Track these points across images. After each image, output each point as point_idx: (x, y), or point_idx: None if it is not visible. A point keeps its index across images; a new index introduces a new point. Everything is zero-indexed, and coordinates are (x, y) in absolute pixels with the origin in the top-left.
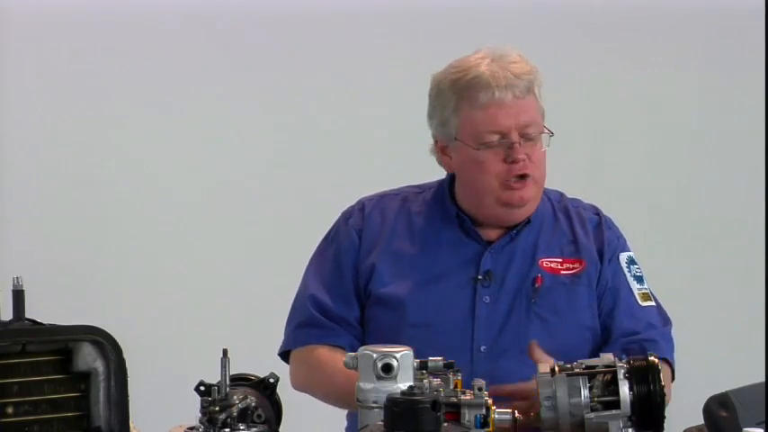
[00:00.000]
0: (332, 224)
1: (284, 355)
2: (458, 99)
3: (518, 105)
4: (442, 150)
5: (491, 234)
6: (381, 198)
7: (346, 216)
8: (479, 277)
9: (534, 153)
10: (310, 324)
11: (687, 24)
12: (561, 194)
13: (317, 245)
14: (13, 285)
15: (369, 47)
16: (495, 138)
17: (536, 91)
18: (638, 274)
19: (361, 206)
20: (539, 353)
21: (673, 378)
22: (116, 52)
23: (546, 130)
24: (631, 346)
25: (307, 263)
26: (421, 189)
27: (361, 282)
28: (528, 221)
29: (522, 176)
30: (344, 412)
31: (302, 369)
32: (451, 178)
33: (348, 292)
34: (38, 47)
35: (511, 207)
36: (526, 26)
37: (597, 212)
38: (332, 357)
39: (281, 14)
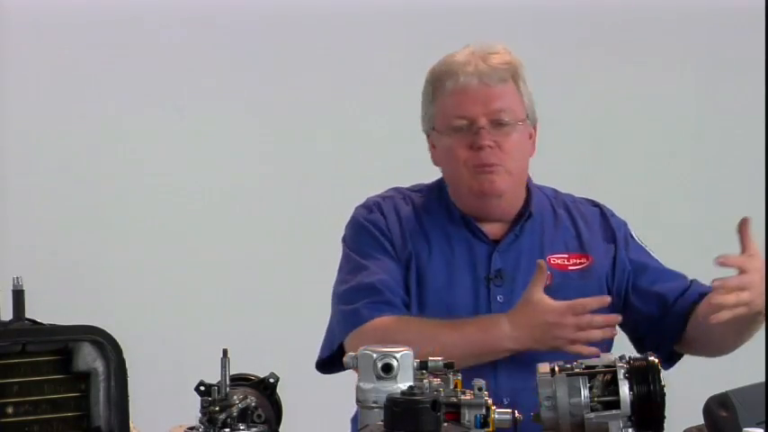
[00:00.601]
0: (330, 225)
1: (321, 364)
2: (433, 89)
3: (486, 92)
4: (431, 145)
5: (496, 233)
6: (391, 198)
7: (363, 215)
8: (491, 277)
9: (507, 142)
10: (385, 302)
11: (687, 24)
12: (554, 190)
13: (317, 245)
14: (13, 285)
15: (370, 47)
16: (463, 123)
17: (518, 82)
18: (649, 247)
19: (377, 204)
20: (748, 230)
21: None
22: (116, 52)
23: (526, 119)
24: (692, 298)
25: (306, 263)
26: (421, 192)
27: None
28: (530, 215)
29: (489, 166)
30: (345, 413)
31: (380, 338)
32: None
33: (404, 278)
34: (38, 47)
35: (484, 196)
36: (526, 26)
37: (595, 204)
38: (419, 319)
39: (284, 15)
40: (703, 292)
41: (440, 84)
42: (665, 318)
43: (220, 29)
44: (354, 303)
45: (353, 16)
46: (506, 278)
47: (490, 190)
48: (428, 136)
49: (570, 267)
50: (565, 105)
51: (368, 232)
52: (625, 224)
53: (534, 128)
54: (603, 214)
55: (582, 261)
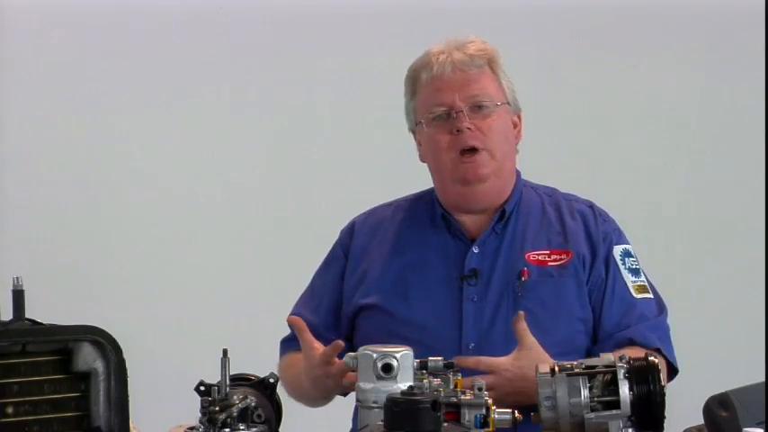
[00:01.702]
0: (331, 226)
1: None
2: (411, 85)
3: (462, 77)
4: (417, 143)
5: (476, 230)
6: (372, 212)
7: (340, 236)
8: (465, 276)
9: (487, 125)
10: (289, 338)
11: (687, 24)
12: (554, 190)
13: (317, 245)
14: (13, 285)
15: (371, 48)
16: (442, 110)
17: (494, 69)
18: (633, 266)
19: (352, 225)
20: (522, 325)
21: (673, 370)
22: (116, 52)
23: (506, 104)
24: (619, 339)
25: (306, 263)
26: (413, 197)
27: (347, 295)
28: (503, 214)
29: (471, 150)
30: (345, 413)
31: (280, 376)
32: None
33: (326, 305)
34: (38, 47)
35: (469, 184)
36: (526, 26)
37: (590, 205)
38: (289, 358)
39: (285, 15)
40: (633, 334)
41: (417, 77)
42: (596, 345)
43: (220, 29)
44: (289, 333)
45: (356, 16)
46: (481, 277)
47: (474, 176)
48: (414, 134)
49: (550, 263)
50: (564, 105)
51: (328, 257)
52: (615, 232)
53: (519, 117)
54: (595, 216)
55: (562, 257)
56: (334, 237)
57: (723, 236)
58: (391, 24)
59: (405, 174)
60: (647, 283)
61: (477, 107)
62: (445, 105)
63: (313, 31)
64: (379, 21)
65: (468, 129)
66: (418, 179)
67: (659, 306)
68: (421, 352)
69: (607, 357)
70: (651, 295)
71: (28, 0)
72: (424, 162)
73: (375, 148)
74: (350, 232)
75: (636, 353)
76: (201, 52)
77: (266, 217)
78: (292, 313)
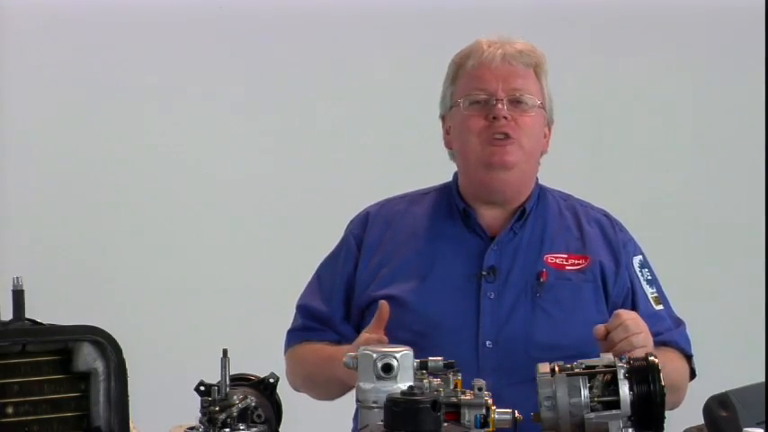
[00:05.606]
0: (331, 226)
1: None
2: (455, 69)
3: (508, 69)
4: (445, 131)
5: (495, 227)
6: (386, 203)
7: (350, 226)
8: (483, 273)
9: (523, 119)
10: (298, 329)
11: (687, 24)
12: (569, 195)
13: (317, 245)
14: (13, 285)
15: (373, 48)
16: (482, 96)
17: (539, 74)
18: (649, 277)
19: (366, 215)
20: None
21: (692, 376)
22: (116, 52)
23: (543, 109)
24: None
25: (306, 263)
26: (428, 190)
27: (360, 287)
28: (524, 212)
29: (503, 137)
30: (345, 413)
31: (289, 366)
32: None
33: (337, 297)
34: (38, 47)
35: (493, 168)
36: (525, 25)
37: (606, 215)
38: (310, 348)
39: (286, 15)
40: (667, 341)
41: (462, 63)
42: None
43: (225, 29)
44: (292, 323)
45: (357, 16)
46: (499, 275)
47: (500, 162)
48: (443, 120)
49: (568, 267)
50: (564, 104)
51: (337, 248)
52: (631, 242)
53: (549, 128)
54: (612, 225)
55: (580, 262)
56: (334, 237)
57: (723, 236)
58: (392, 25)
59: (405, 174)
60: (658, 295)
61: (517, 101)
62: (487, 92)
63: (314, 30)
64: (380, 21)
65: (505, 118)
66: (419, 179)
67: (675, 318)
68: (434, 346)
69: (607, 357)
70: (663, 307)
71: (28, 0)
72: (448, 148)
73: (375, 148)
74: (363, 223)
75: (670, 354)
76: (202, 52)
77: (267, 217)
78: (300, 304)
